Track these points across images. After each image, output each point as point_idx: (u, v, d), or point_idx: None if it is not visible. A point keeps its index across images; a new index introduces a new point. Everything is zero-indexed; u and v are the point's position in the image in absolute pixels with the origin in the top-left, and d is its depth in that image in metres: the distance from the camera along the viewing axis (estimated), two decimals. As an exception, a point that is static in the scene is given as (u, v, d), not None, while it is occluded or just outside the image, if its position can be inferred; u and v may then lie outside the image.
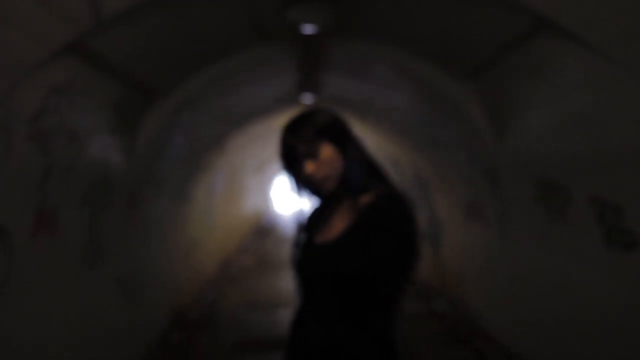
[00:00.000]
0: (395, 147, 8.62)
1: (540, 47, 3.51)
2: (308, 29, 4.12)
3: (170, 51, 4.20)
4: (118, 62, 3.74)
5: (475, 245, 6.42)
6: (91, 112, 3.75)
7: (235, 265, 12.23)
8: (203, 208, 9.24)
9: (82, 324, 4.16)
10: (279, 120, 9.37)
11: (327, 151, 1.90)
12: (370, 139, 9.45)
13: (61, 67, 3.03)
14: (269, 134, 10.53)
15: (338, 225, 1.91)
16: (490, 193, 5.50)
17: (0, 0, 2.17)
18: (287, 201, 36.30)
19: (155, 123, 4.92)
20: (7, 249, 3.10)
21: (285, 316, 7.68)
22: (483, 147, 5.13)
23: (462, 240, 6.96)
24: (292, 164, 1.96)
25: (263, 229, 20.40)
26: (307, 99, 7.27)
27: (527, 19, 3.19)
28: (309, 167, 1.90)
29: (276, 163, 17.72)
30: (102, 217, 4.50)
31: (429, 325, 7.03)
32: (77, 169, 3.76)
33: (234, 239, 13.33)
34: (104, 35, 3.20)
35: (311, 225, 2.05)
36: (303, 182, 1.96)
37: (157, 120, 4.92)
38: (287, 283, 10.01)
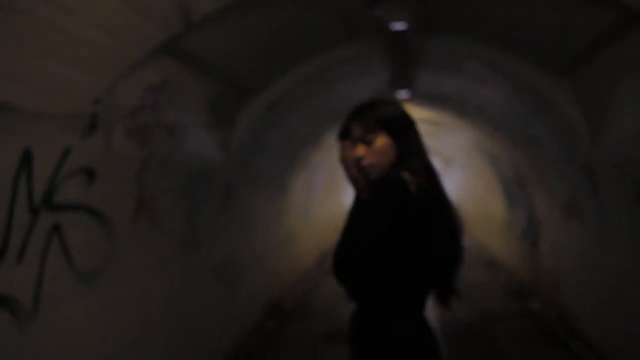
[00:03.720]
0: (494, 144, 8.43)
1: (635, 43, 3.35)
2: (396, 25, 4.14)
3: (262, 50, 4.38)
4: (211, 61, 3.96)
5: (573, 245, 6.25)
6: (187, 109, 4.01)
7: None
8: (301, 202, 9.48)
9: (177, 308, 4.45)
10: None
11: (381, 141, 1.97)
12: (468, 135, 9.28)
13: (156, 67, 3.27)
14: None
15: None
16: (588, 192, 5.29)
17: (93, 7, 2.40)
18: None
19: (249, 119, 5.15)
20: (108, 233, 3.39)
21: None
22: (579, 143, 4.94)
23: (559, 239, 6.79)
24: (348, 145, 2.03)
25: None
26: (402, 95, 7.26)
27: (618, 12, 3.05)
28: (360, 150, 1.97)
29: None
30: (199, 207, 4.77)
31: (524, 324, 6.96)
32: (174, 161, 4.03)
33: (333, 234, 13.52)
34: (196, 36, 3.41)
35: None
36: (351, 165, 2.02)
37: (251, 116, 5.15)
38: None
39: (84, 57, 2.57)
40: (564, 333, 6.22)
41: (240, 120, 5.07)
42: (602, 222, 5.16)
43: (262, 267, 6.96)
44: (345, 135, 2.05)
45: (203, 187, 4.78)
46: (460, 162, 13.99)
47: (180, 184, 4.30)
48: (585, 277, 5.93)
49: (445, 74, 6.04)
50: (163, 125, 3.67)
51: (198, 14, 2.88)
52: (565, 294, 6.63)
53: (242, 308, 6.19)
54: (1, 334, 2.52)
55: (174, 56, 3.43)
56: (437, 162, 18.76)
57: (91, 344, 3.23)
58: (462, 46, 4.83)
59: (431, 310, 2.05)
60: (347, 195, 15.86)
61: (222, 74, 4.29)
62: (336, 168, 12.06)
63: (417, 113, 9.28)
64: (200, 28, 3.20)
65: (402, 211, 1.84)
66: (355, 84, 6.23)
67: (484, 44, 4.70)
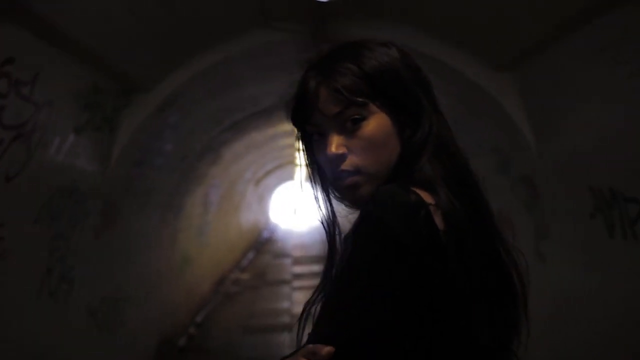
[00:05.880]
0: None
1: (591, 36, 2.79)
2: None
3: (154, 33, 3.43)
4: (83, 40, 2.96)
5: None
6: (47, 103, 2.96)
7: (232, 283, 11.46)
8: (197, 222, 8.46)
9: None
10: (279, 128, 8.62)
11: (376, 124, 1.05)
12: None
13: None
14: (268, 142, 9.77)
15: None
16: (525, 204, 4.76)
17: None
18: (288, 214, 35.57)
19: (136, 123, 4.14)
20: None
21: (284, 341, 6.95)
22: (521, 149, 4.37)
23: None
24: (309, 135, 1.13)
25: (262, 244, 19.66)
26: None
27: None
28: (334, 143, 1.05)
29: (277, 173, 17.03)
30: (68, 235, 3.71)
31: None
32: (28, 175, 2.96)
33: (230, 256, 12.54)
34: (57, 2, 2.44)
35: None
36: (321, 171, 1.14)
37: (138, 119, 4.14)
38: (286, 304, 9.25)
39: None
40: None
41: (123, 124, 4.05)
42: (542, 238, 4.64)
43: (152, 300, 5.90)
44: (302, 116, 1.11)
45: (74, 208, 3.72)
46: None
47: (39, 206, 3.23)
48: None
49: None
50: (7, 124, 2.62)
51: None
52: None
53: (129, 352, 5.13)
54: None
55: (22, 24, 2.42)
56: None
57: None
58: (388, 36, 4.08)
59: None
60: (245, 214, 14.90)
61: (99, 61, 3.29)
62: (233, 184, 11.09)
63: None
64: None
65: (421, 268, 0.92)
66: (262, 84, 5.36)
67: (416, 33, 3.99)
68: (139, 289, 5.42)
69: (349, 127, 1.05)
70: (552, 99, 3.82)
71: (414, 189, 0.97)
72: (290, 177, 21.38)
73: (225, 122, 6.21)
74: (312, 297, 1.08)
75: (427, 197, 0.96)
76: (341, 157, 1.05)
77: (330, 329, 0.92)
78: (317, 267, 13.55)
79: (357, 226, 0.96)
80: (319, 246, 19.13)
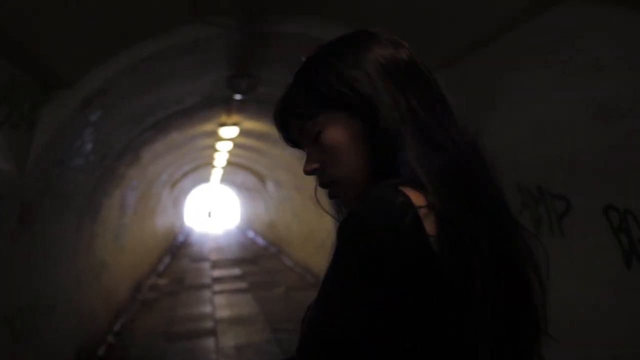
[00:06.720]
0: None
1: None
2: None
3: (81, 23, 3.24)
4: (2, 30, 2.76)
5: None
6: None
7: (149, 289, 11.09)
8: (114, 225, 8.13)
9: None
10: (200, 129, 8.44)
11: (332, 130, 1.02)
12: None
13: None
14: (187, 142, 9.55)
15: None
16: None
17: None
18: (202, 217, 35.03)
19: (56, 120, 3.90)
20: None
21: (209, 347, 6.80)
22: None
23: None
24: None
25: (178, 247, 19.22)
26: (238, 102, 6.38)
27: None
28: (307, 162, 1.07)
29: (193, 176, 16.69)
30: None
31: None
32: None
33: (147, 260, 12.14)
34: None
35: None
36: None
37: (59, 116, 3.90)
38: (208, 308, 9.05)
39: None
40: None
41: (42, 122, 3.81)
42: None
43: (70, 308, 5.59)
44: (288, 139, 1.14)
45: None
46: (274, 177, 13.41)
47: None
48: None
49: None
50: None
51: None
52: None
53: (46, 363, 4.84)
54: None
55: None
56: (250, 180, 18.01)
57: None
58: (321, 32, 4.05)
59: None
60: (160, 217, 14.48)
61: (17, 52, 3.07)
62: (150, 186, 10.75)
63: (248, 124, 8.48)
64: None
65: (406, 277, 0.84)
66: (188, 82, 5.21)
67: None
68: (57, 297, 5.13)
69: (315, 141, 1.04)
70: (483, 98, 3.94)
71: (403, 189, 0.89)
72: (206, 179, 21.04)
73: (147, 121, 5.99)
74: (313, 302, 1.03)
75: (417, 198, 0.89)
76: (316, 172, 1.06)
77: (314, 340, 0.90)
78: (237, 270, 13.39)
79: (338, 233, 0.90)
80: (235, 249, 18.92)
